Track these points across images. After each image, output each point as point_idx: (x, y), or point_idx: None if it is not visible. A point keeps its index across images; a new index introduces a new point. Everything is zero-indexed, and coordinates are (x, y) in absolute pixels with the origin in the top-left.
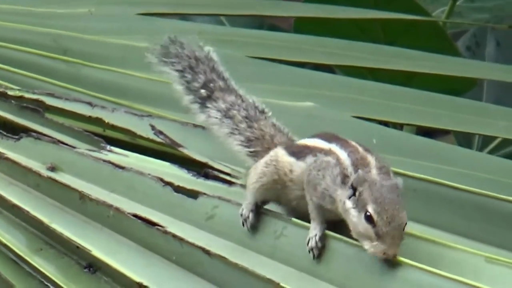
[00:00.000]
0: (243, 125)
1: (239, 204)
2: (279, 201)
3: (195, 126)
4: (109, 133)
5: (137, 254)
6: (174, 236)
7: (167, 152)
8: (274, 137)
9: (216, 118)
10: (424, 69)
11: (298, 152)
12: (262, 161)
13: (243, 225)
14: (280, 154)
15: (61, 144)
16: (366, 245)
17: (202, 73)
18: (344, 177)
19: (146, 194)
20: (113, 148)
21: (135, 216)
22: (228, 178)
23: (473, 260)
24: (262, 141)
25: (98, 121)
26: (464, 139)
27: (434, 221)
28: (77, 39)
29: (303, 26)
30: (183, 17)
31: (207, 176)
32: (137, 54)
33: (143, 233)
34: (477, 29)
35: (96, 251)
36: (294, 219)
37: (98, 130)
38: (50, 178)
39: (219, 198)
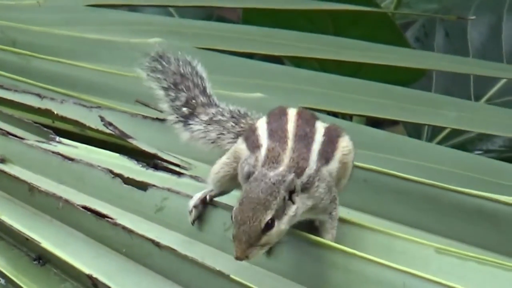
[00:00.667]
0: (229, 124)
1: (189, 196)
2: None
3: (145, 117)
4: (59, 124)
5: (87, 246)
6: (124, 228)
7: (117, 144)
8: None
9: (200, 129)
10: (372, 60)
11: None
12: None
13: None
14: (239, 143)
15: (10, 136)
16: None
17: (185, 90)
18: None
19: (96, 186)
20: (62, 139)
21: (85, 208)
22: (177, 169)
23: (423, 251)
24: None
25: (47, 113)
26: (414, 130)
27: (384, 212)
28: (26, 30)
29: (251, 17)
30: (133, 8)
31: (156, 168)
32: (86, 46)
33: (92, 225)
34: (426, 20)
35: (46, 243)
36: None
37: (48, 121)
38: None
39: (169, 190)
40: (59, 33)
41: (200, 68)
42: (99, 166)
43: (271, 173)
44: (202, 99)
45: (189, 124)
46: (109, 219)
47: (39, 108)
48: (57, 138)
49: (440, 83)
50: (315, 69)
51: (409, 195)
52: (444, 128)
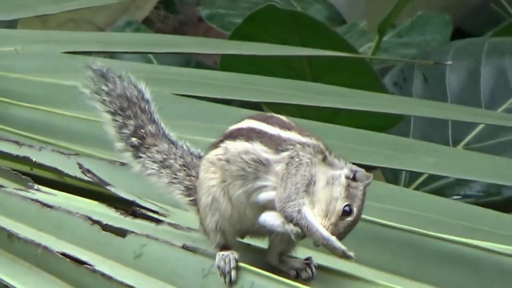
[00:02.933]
0: (181, 174)
1: (167, 242)
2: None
3: (122, 164)
4: (37, 171)
5: None
6: (103, 275)
7: (95, 191)
8: None
9: (153, 169)
10: (350, 106)
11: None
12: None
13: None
14: (206, 156)
15: None
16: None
17: (132, 117)
18: None
19: (74, 233)
20: (40, 187)
21: (63, 254)
22: (155, 216)
23: None
24: None
25: (25, 160)
26: (391, 175)
27: (362, 258)
28: (3, 77)
29: (229, 63)
30: (111, 55)
31: (135, 215)
32: (63, 93)
33: (71, 272)
34: (405, 65)
35: None
36: None
37: (26, 168)
38: None
39: (147, 236)
40: (37, 80)
41: (146, 91)
42: (77, 213)
43: None
44: (150, 128)
45: (141, 157)
46: (88, 266)
47: (17, 156)
48: (36, 186)
49: (418, 128)
50: (293, 115)
51: (387, 241)
52: (422, 173)
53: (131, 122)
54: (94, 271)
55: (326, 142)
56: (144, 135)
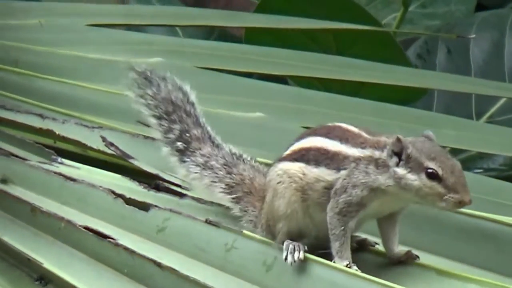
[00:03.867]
0: (222, 172)
1: (190, 217)
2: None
3: (146, 137)
4: (60, 144)
5: (88, 267)
6: (126, 248)
7: (118, 164)
8: (253, 179)
9: (196, 173)
10: (374, 79)
11: (302, 156)
12: (269, 195)
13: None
14: (283, 167)
15: (12, 157)
16: (438, 203)
17: (178, 121)
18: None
19: (97, 206)
20: (64, 160)
21: (87, 228)
22: (179, 190)
23: (425, 273)
24: (242, 186)
25: (49, 133)
26: None
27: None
28: (27, 50)
29: (254, 36)
30: (133, 28)
31: (158, 188)
32: (87, 65)
33: (94, 245)
34: (428, 37)
35: (48, 263)
36: (244, 231)
37: (49, 142)
38: (1, 190)
39: (170, 210)
40: (61, 52)
41: (191, 94)
42: (101, 186)
43: None
44: (196, 132)
45: (185, 161)
46: (111, 240)
47: (40, 129)
48: (59, 159)
49: (442, 101)
50: (317, 88)
51: (409, 216)
52: (444, 147)
53: (177, 126)
54: (117, 244)
55: (349, 115)
56: (190, 139)
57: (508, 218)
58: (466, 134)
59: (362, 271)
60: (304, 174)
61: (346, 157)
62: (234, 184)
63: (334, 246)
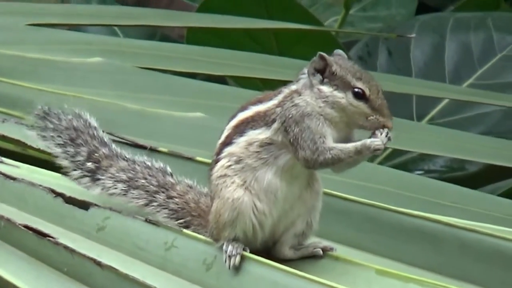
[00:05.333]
0: (161, 196)
1: (130, 215)
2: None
3: None
4: (0, 143)
5: (28, 265)
6: (65, 247)
7: (58, 163)
8: (198, 202)
9: (119, 189)
10: None
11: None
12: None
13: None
14: (220, 164)
15: None
16: (362, 122)
17: (84, 144)
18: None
19: (37, 205)
20: (3, 159)
21: (26, 227)
22: None
23: (364, 272)
24: (189, 209)
25: None
26: None
27: (325, 232)
28: None
29: (195, 36)
30: (74, 28)
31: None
32: (27, 65)
33: (34, 244)
34: (370, 39)
35: None
36: (184, 230)
37: None
38: None
39: (110, 209)
40: (0, 52)
41: (91, 119)
42: (40, 185)
43: None
44: (104, 151)
45: (99, 179)
46: (51, 238)
47: None
48: None
49: None
50: (259, 89)
51: (349, 215)
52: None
53: (84, 148)
54: (57, 243)
55: None
56: (99, 158)
57: (448, 218)
58: (407, 135)
59: (303, 271)
60: (230, 156)
61: (268, 110)
62: (179, 209)
63: (358, 153)
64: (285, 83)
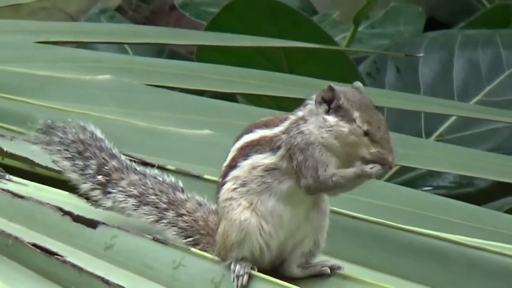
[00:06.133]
0: (170, 214)
1: (138, 234)
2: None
3: None
4: (8, 161)
5: (36, 284)
6: (73, 265)
7: (66, 181)
8: (207, 220)
9: (130, 204)
10: None
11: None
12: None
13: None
14: (226, 187)
15: None
16: (363, 153)
17: (92, 158)
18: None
19: (45, 223)
20: (12, 177)
21: (34, 245)
22: None
23: None
24: (197, 228)
25: None
26: None
27: (333, 250)
28: None
29: (205, 53)
30: (83, 45)
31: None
32: (36, 82)
33: (42, 262)
34: (378, 56)
35: None
36: (192, 249)
37: None
38: None
39: (118, 227)
40: (8, 69)
41: (97, 130)
42: (48, 204)
43: None
44: (113, 163)
45: (110, 192)
46: (59, 257)
47: None
48: (7, 176)
49: (391, 119)
50: (269, 106)
51: (357, 233)
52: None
53: (93, 161)
54: (65, 261)
55: None
56: (109, 171)
57: (456, 237)
58: (415, 152)
59: None
60: (235, 179)
61: (274, 136)
62: (188, 227)
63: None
64: (295, 101)
